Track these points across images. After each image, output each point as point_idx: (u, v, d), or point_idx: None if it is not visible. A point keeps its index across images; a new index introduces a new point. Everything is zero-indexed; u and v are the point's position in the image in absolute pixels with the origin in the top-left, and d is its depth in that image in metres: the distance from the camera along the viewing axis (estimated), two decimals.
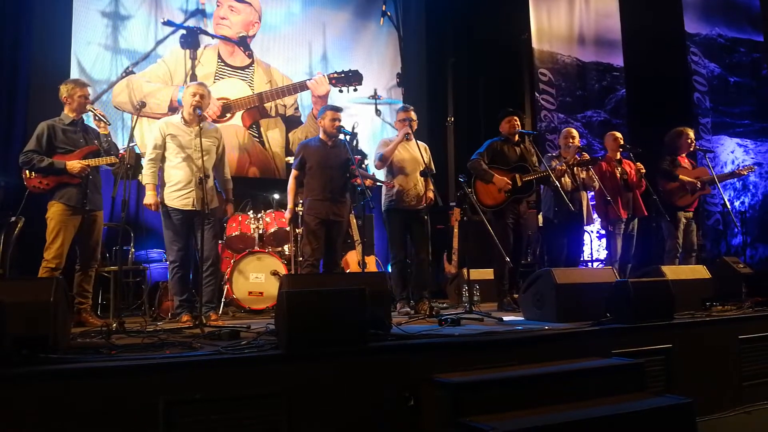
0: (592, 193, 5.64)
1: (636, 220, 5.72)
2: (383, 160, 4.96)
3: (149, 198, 4.32)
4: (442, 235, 6.80)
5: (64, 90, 4.36)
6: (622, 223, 5.60)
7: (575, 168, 5.31)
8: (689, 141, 5.95)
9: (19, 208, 4.73)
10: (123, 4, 6.71)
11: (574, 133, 5.54)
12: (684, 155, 6.01)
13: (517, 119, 5.22)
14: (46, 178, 4.23)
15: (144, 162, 4.42)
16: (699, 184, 5.81)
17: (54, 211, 4.22)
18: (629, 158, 5.81)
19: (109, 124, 4.57)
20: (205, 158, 4.21)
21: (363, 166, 6.66)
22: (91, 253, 4.41)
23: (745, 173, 6.19)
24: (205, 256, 4.27)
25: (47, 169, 4.20)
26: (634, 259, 5.79)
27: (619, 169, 5.72)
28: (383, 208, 5.05)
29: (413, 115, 5.00)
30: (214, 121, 6.76)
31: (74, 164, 4.22)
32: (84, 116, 4.46)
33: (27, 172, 4.25)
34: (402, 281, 4.91)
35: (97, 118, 4.43)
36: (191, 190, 4.32)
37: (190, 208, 4.32)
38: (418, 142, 5.02)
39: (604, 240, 6.54)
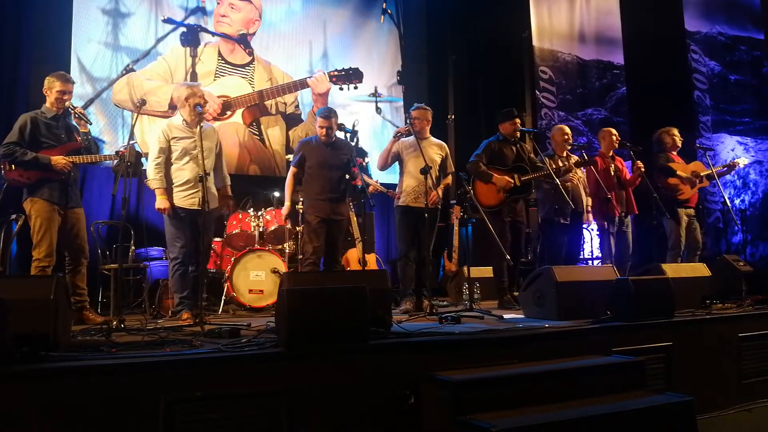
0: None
1: (629, 217, 5.72)
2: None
3: (162, 203, 4.29)
4: (442, 233, 6.80)
5: (46, 83, 4.28)
6: (616, 220, 5.60)
7: (565, 163, 5.35)
8: (674, 137, 5.97)
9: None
10: (123, 2, 6.69)
11: (567, 129, 5.56)
12: (674, 153, 6.02)
13: (520, 122, 5.26)
14: (27, 172, 4.12)
15: (149, 166, 4.36)
16: (701, 173, 5.83)
17: (37, 208, 4.13)
18: (628, 156, 5.82)
19: (90, 123, 4.48)
20: (207, 159, 4.23)
21: (364, 164, 6.67)
22: (80, 251, 4.35)
23: (740, 165, 6.15)
24: (203, 253, 4.30)
25: (31, 164, 4.10)
26: (635, 258, 5.79)
27: (613, 166, 5.73)
28: (394, 205, 5.11)
29: (418, 113, 5.01)
30: (215, 119, 6.77)
31: (59, 160, 4.15)
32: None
33: (7, 164, 4.12)
34: (408, 278, 4.92)
35: (77, 116, 4.35)
36: (197, 190, 4.29)
37: (196, 207, 4.30)
38: (433, 140, 5.10)
39: None
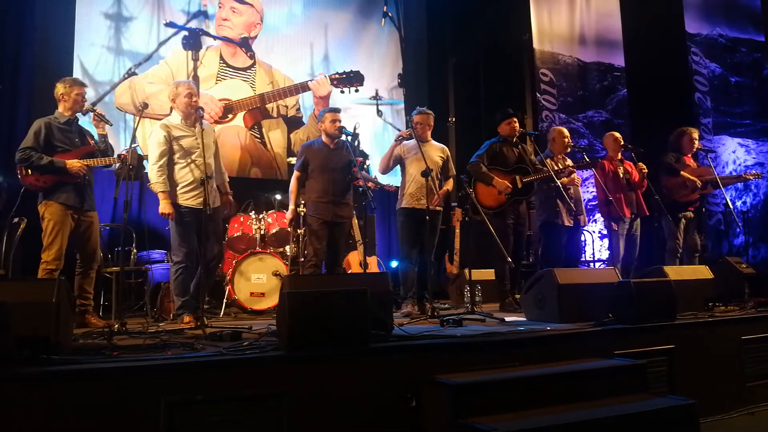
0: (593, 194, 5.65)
1: (638, 220, 5.70)
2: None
3: (165, 207, 4.20)
4: (443, 235, 6.80)
5: (60, 87, 4.29)
6: (626, 222, 5.60)
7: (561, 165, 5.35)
8: (692, 141, 5.95)
9: (14, 207, 4.71)
10: (125, 6, 6.72)
11: (566, 132, 5.55)
12: (689, 155, 5.99)
13: (517, 121, 5.23)
14: (43, 177, 4.15)
15: (151, 169, 4.28)
16: (699, 183, 5.78)
17: (52, 211, 4.14)
18: (630, 158, 5.81)
19: (111, 125, 4.52)
20: (208, 158, 4.23)
21: (365, 167, 6.67)
22: (92, 255, 4.36)
23: (751, 178, 6.11)
24: (213, 255, 4.34)
25: (47, 168, 4.12)
26: (637, 260, 5.78)
27: (621, 168, 5.72)
28: (396, 208, 5.13)
29: (420, 118, 5.01)
30: (216, 122, 6.79)
31: (74, 163, 4.17)
32: (80, 116, 4.41)
33: (23, 169, 4.15)
34: (410, 281, 4.92)
35: (97, 117, 4.38)
36: (202, 190, 4.26)
37: (202, 207, 4.29)
38: (435, 143, 5.12)
39: (606, 240, 6.52)
